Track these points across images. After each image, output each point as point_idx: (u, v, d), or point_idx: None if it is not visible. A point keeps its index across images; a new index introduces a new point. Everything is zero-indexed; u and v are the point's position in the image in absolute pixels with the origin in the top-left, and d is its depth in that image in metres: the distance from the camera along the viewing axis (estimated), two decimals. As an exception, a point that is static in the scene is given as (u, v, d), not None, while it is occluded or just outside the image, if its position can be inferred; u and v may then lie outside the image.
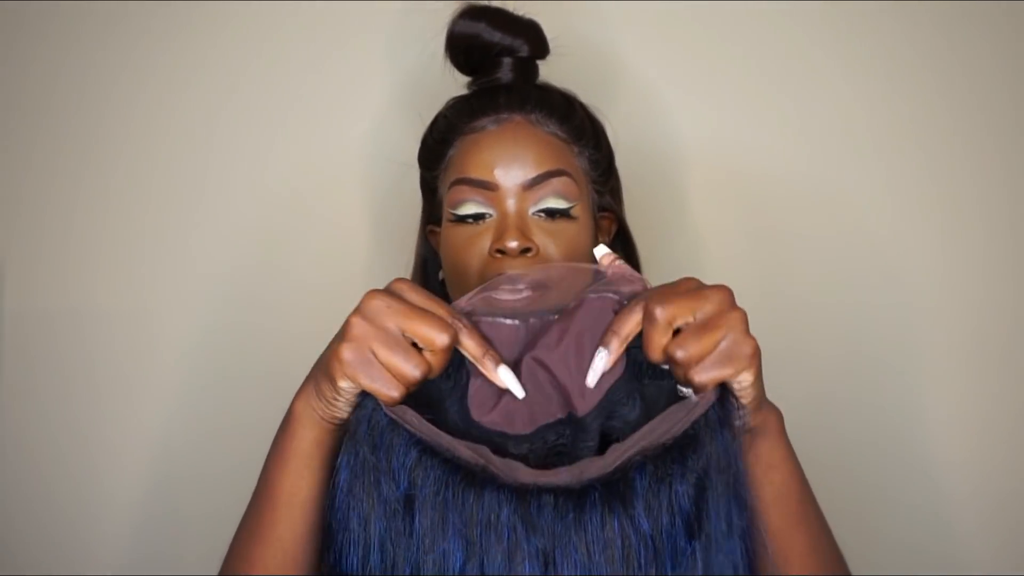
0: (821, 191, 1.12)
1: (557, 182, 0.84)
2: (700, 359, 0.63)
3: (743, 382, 0.64)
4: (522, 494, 0.60)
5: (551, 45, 0.92)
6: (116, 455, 1.09)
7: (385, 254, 1.09)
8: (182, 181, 1.12)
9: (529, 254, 0.82)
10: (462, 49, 0.90)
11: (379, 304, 0.64)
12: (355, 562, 0.63)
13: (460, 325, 0.65)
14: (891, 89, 1.13)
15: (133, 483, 1.09)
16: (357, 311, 0.65)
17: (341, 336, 0.65)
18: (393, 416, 0.64)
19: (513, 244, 0.81)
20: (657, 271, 0.97)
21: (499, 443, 0.65)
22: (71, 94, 1.12)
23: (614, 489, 0.59)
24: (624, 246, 0.95)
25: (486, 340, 0.67)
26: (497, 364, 0.66)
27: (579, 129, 0.88)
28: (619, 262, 0.72)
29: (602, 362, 0.65)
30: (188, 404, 1.10)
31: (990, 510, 1.09)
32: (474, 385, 0.67)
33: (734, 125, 1.13)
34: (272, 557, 0.69)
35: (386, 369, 0.64)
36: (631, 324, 0.65)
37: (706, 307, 0.63)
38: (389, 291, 0.66)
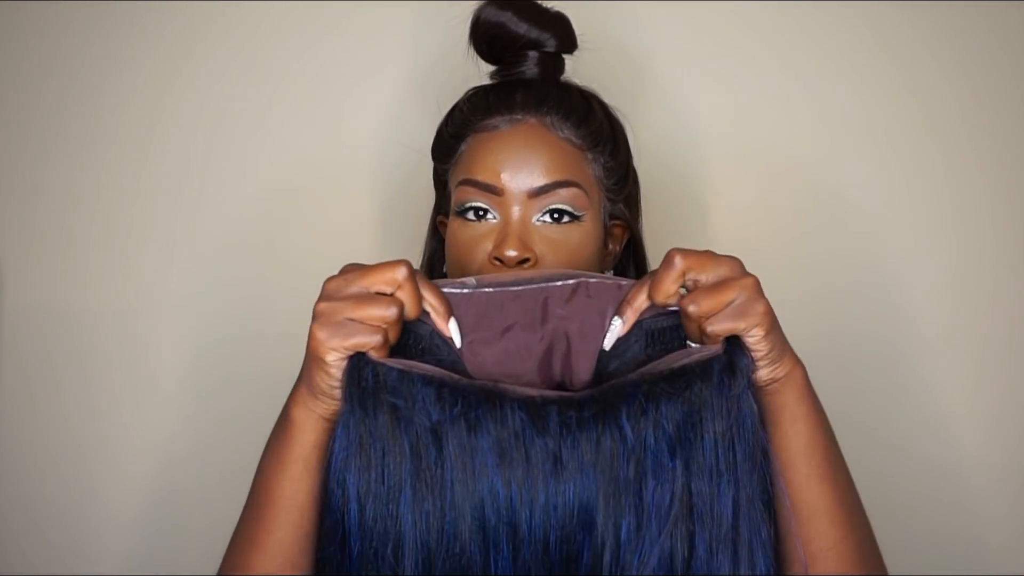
0: (850, 197, 1.12)
1: (565, 192, 0.82)
2: (711, 314, 0.68)
3: (754, 335, 0.68)
4: (531, 405, 0.66)
5: (579, 41, 0.90)
6: (113, 454, 1.09)
7: (396, 243, 1.09)
8: (186, 176, 1.12)
9: (527, 264, 0.81)
10: (486, 38, 0.88)
11: (334, 282, 0.69)
12: (369, 513, 0.66)
13: (406, 273, 0.69)
14: (926, 92, 1.13)
15: (130, 482, 1.09)
16: (319, 299, 0.68)
17: (311, 323, 0.68)
18: (400, 367, 0.67)
19: (512, 254, 0.81)
20: None
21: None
22: (68, 93, 1.12)
23: (607, 399, 0.66)
24: (635, 257, 0.93)
25: (436, 290, 0.71)
26: (448, 317, 0.71)
27: (595, 135, 0.86)
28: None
29: (617, 329, 0.71)
30: (187, 403, 1.10)
31: (1015, 506, 1.09)
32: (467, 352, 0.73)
33: (761, 129, 1.12)
34: (271, 561, 0.71)
35: (362, 323, 0.67)
36: (642, 296, 0.71)
37: (720, 270, 0.69)
38: (339, 274, 0.70)
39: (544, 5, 0.88)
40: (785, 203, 1.11)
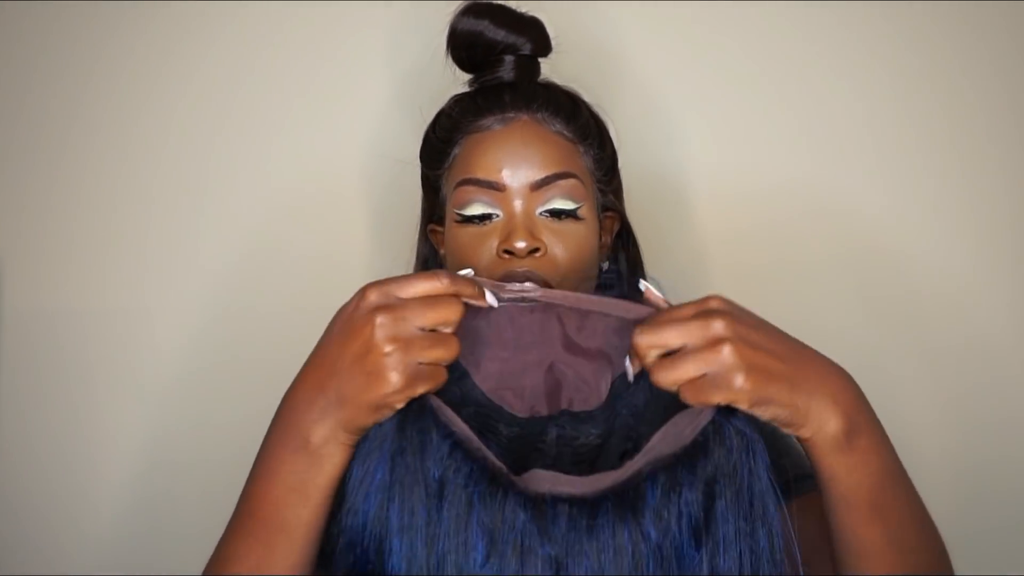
0: (827, 193, 1.12)
1: (565, 184, 0.84)
2: (675, 386, 0.63)
3: (740, 407, 0.63)
4: (538, 502, 0.61)
5: (553, 43, 0.92)
6: (114, 454, 1.09)
7: (385, 253, 1.09)
8: (181, 179, 1.12)
9: (537, 254, 0.83)
10: (464, 47, 0.90)
11: (388, 319, 0.63)
12: (371, 551, 0.64)
13: (449, 281, 0.65)
14: (901, 89, 1.12)
15: (131, 482, 1.09)
16: (373, 338, 0.63)
17: (377, 370, 0.63)
18: (436, 409, 0.65)
19: (521, 245, 0.82)
20: (660, 274, 0.97)
21: (492, 419, 0.69)
22: (69, 94, 1.12)
23: (625, 499, 0.61)
24: (627, 245, 0.95)
25: (469, 281, 0.67)
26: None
27: (584, 128, 0.88)
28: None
29: (630, 371, 0.67)
30: (186, 403, 1.10)
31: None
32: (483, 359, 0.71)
33: (739, 126, 1.12)
34: None
35: (431, 365, 0.64)
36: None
37: (692, 339, 0.63)
38: (383, 306, 0.64)
39: (518, 10, 0.90)
40: (767, 201, 1.11)
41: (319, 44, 1.13)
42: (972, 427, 1.08)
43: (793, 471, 0.74)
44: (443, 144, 0.89)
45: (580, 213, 0.85)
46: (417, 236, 0.97)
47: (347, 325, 0.65)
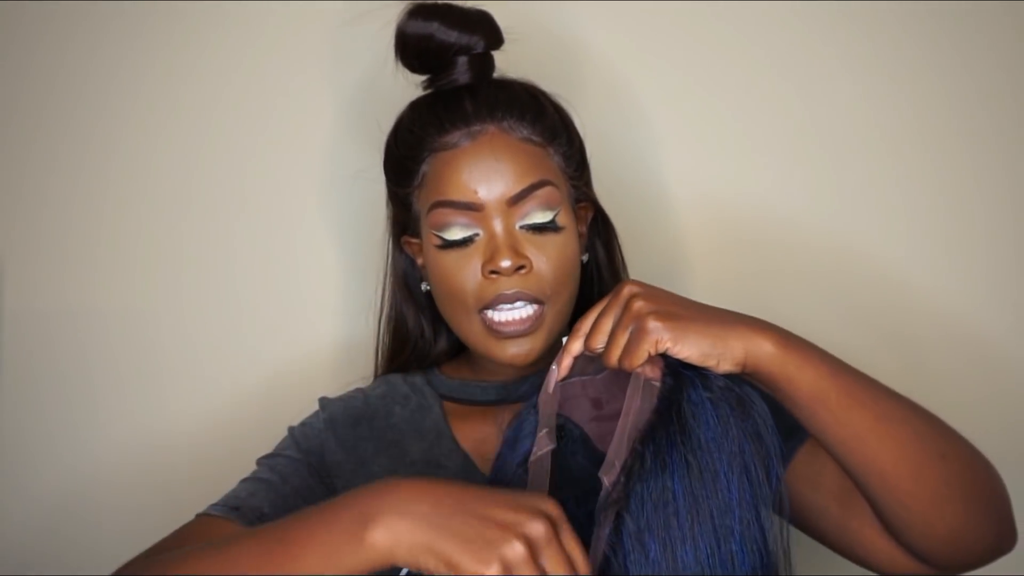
0: (798, 192, 1.11)
1: (541, 193, 0.84)
2: (618, 357, 0.70)
3: (668, 350, 0.68)
4: None
5: (504, 33, 0.89)
6: (113, 454, 1.10)
7: (354, 264, 1.09)
8: (176, 181, 1.12)
9: (523, 271, 0.83)
10: (415, 52, 0.86)
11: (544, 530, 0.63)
12: None
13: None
14: (879, 91, 1.10)
15: (131, 483, 1.10)
16: (523, 523, 0.62)
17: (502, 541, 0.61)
18: None
19: (507, 264, 0.82)
20: (633, 268, 0.98)
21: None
22: (69, 94, 1.11)
23: None
24: (604, 231, 0.94)
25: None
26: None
27: (552, 128, 0.87)
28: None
29: (555, 374, 0.75)
30: (186, 404, 1.11)
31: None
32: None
33: (703, 110, 1.10)
34: None
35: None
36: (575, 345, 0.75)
37: (610, 320, 0.71)
38: (545, 516, 0.63)
39: (466, 7, 0.87)
40: (736, 187, 1.09)
41: (262, 64, 1.12)
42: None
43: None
44: (409, 161, 0.87)
45: (559, 220, 0.85)
46: (388, 245, 0.95)
47: (510, 499, 0.64)
